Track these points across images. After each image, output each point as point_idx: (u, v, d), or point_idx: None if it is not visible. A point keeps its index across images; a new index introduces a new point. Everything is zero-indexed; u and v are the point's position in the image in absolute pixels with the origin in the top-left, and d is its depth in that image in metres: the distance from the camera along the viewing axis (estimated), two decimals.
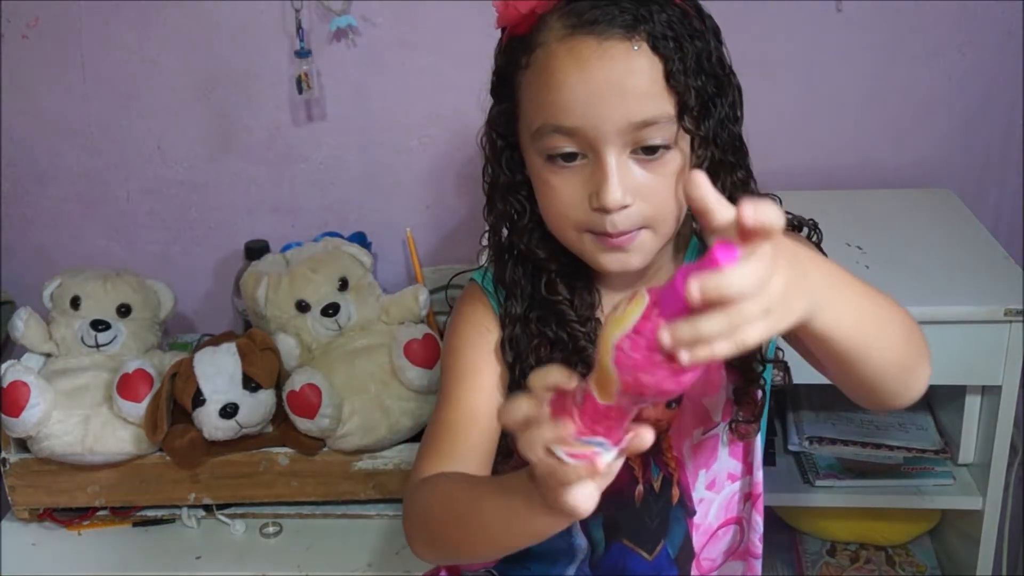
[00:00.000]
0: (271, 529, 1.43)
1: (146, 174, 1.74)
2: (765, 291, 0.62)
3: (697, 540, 1.04)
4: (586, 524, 1.02)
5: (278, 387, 1.40)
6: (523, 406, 0.69)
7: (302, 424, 1.37)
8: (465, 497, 0.86)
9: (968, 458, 1.44)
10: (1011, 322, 1.28)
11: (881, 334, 0.80)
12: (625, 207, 0.89)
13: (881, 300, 0.82)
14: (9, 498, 1.45)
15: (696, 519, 1.04)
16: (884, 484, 1.45)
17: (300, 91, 1.63)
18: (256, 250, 1.65)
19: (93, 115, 1.70)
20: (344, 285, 1.52)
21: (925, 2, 1.59)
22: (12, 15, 1.64)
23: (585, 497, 0.68)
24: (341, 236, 1.65)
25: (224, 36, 1.65)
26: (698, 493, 1.03)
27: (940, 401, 1.53)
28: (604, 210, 0.88)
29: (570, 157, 0.89)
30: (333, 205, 1.74)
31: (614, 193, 0.87)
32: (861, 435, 1.48)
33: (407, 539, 0.93)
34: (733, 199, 0.94)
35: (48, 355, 1.52)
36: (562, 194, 0.91)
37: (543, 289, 0.98)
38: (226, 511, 1.46)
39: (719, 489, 1.04)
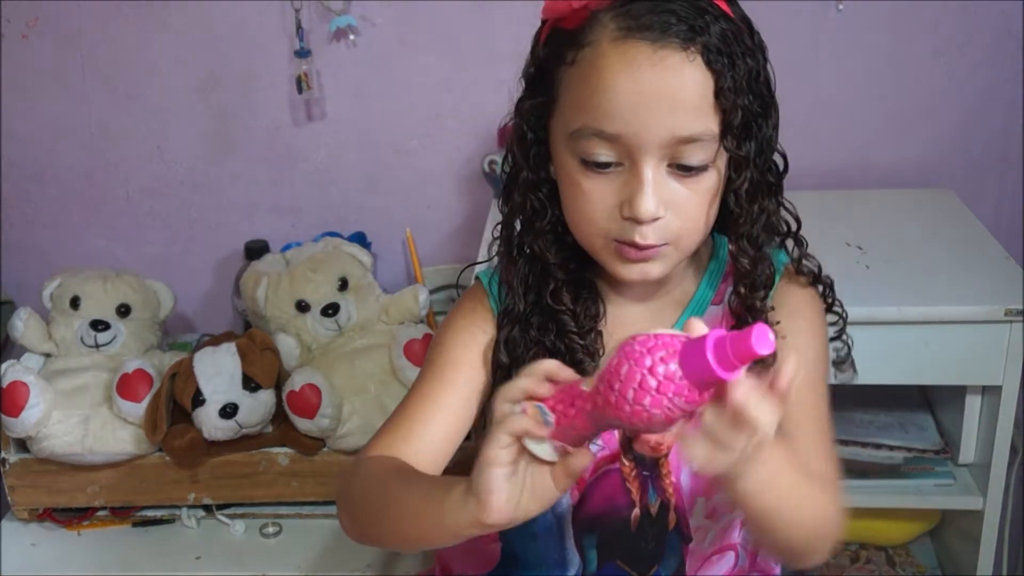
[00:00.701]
0: (271, 529, 1.43)
1: (146, 174, 1.74)
2: (757, 438, 0.69)
3: (691, 565, 1.02)
4: (580, 541, 1.01)
5: (278, 387, 1.40)
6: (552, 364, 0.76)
7: (302, 424, 1.37)
8: (397, 480, 0.88)
9: (968, 458, 1.44)
10: (1011, 322, 1.28)
11: (789, 525, 0.85)
12: (657, 219, 0.87)
13: (807, 499, 0.86)
14: (9, 498, 1.45)
15: (691, 545, 1.01)
16: (884, 484, 1.44)
17: (300, 91, 1.63)
18: (256, 250, 1.66)
19: (93, 115, 1.70)
20: (344, 285, 1.52)
21: (925, 2, 1.59)
22: (12, 15, 1.64)
23: (499, 492, 0.73)
24: (341, 236, 1.65)
25: (224, 36, 1.65)
26: (695, 521, 1.01)
27: (940, 401, 1.53)
28: (635, 220, 0.87)
29: (605, 164, 0.87)
30: (333, 205, 1.74)
31: (648, 205, 0.86)
32: (861, 435, 1.48)
33: (337, 509, 0.95)
34: (769, 226, 0.94)
35: (48, 355, 1.52)
36: (592, 199, 0.89)
37: (548, 296, 0.96)
38: (226, 511, 1.45)
39: (718, 518, 1.02)
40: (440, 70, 1.66)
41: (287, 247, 1.64)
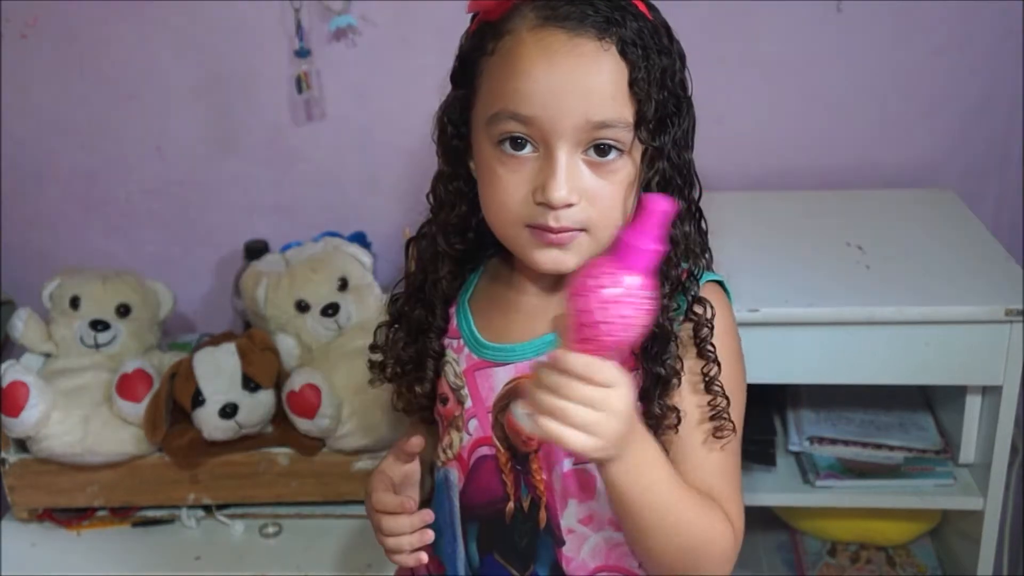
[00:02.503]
0: (271, 529, 1.43)
1: (146, 174, 1.73)
2: (605, 396, 0.76)
3: (570, 574, 0.99)
4: (465, 533, 1.01)
5: (278, 387, 1.40)
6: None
7: (302, 424, 1.37)
8: None
9: (969, 458, 1.44)
10: (1011, 322, 1.28)
11: (661, 531, 0.87)
12: (569, 206, 0.89)
13: (683, 509, 0.87)
14: (9, 498, 1.45)
15: (566, 550, 0.98)
16: (884, 484, 1.44)
17: (300, 91, 1.63)
18: (256, 250, 1.65)
19: (92, 115, 1.70)
20: (344, 285, 1.52)
21: (925, 2, 1.59)
22: (12, 15, 1.64)
23: None
24: (341, 236, 1.65)
25: (224, 36, 1.65)
26: (567, 523, 0.98)
27: (940, 401, 1.53)
28: (548, 205, 0.89)
29: (521, 145, 0.89)
30: (333, 205, 1.74)
31: (560, 190, 0.88)
32: (861, 435, 1.48)
33: None
34: (678, 232, 0.93)
35: (47, 355, 1.52)
36: (507, 185, 0.91)
37: (426, 287, 1.03)
38: (226, 511, 1.45)
39: (598, 528, 0.98)
40: (440, 70, 1.64)
41: (287, 247, 1.64)
